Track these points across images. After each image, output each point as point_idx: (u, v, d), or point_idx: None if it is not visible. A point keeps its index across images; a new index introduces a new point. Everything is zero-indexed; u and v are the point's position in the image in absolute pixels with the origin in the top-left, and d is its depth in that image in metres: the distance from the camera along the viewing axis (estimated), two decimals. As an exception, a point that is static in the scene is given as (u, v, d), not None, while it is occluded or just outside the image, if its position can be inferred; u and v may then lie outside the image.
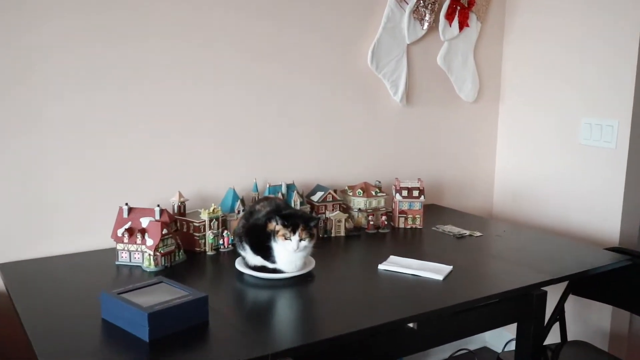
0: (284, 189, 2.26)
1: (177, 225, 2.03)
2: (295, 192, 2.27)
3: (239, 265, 1.85)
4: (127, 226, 1.92)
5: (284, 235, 1.73)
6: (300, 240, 1.74)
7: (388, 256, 1.99)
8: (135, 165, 2.11)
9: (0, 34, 1.83)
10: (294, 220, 1.74)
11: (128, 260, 1.91)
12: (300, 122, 2.44)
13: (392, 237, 2.31)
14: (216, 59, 2.21)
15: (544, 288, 1.85)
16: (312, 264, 1.88)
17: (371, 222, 2.33)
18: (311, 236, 1.77)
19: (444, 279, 1.82)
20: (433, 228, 2.38)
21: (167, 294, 1.50)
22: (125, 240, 1.90)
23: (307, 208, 2.31)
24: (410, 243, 2.26)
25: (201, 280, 1.84)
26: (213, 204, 2.09)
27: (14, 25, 1.84)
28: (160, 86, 2.12)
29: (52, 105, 1.94)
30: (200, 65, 2.19)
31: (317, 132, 2.49)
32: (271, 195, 2.04)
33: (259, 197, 2.17)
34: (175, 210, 2.09)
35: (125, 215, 1.95)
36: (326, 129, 2.49)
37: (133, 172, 2.11)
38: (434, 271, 1.86)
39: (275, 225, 1.75)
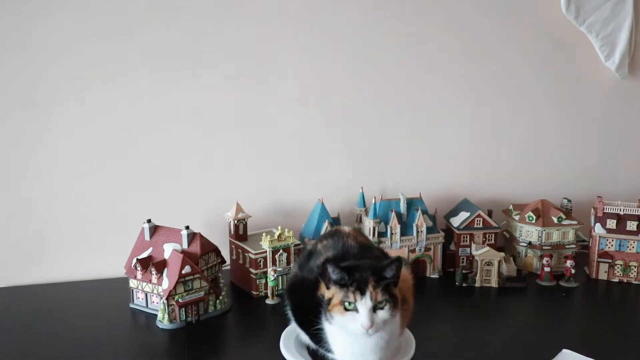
0: (402, 206, 1.47)
1: (221, 257, 1.36)
2: (419, 210, 1.45)
3: (283, 344, 1.11)
4: (144, 254, 1.31)
5: (342, 302, 0.93)
6: (376, 307, 0.93)
7: (560, 347, 1.14)
8: (183, 163, 1.50)
9: None
10: (359, 273, 0.93)
11: (144, 305, 1.30)
12: (440, 101, 1.63)
13: (582, 298, 1.46)
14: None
15: None
16: (411, 350, 1.07)
17: (546, 268, 1.51)
18: (393, 298, 0.95)
19: None
20: (662, 288, 1.44)
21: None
22: (138, 275, 1.29)
23: (439, 237, 1.48)
24: (612, 316, 1.36)
25: None
26: (279, 227, 1.38)
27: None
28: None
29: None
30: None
31: (467, 118, 1.69)
32: (345, 228, 1.22)
33: (356, 225, 1.40)
34: (232, 231, 1.43)
35: (147, 237, 1.34)
36: (482, 113, 1.70)
37: (179, 172, 1.50)
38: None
39: (325, 288, 0.96)
